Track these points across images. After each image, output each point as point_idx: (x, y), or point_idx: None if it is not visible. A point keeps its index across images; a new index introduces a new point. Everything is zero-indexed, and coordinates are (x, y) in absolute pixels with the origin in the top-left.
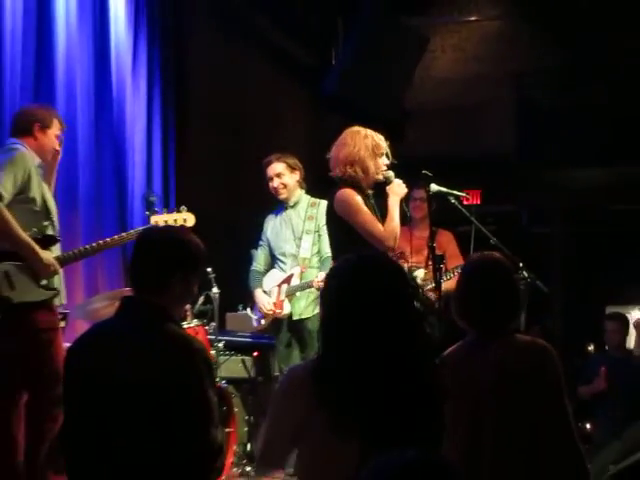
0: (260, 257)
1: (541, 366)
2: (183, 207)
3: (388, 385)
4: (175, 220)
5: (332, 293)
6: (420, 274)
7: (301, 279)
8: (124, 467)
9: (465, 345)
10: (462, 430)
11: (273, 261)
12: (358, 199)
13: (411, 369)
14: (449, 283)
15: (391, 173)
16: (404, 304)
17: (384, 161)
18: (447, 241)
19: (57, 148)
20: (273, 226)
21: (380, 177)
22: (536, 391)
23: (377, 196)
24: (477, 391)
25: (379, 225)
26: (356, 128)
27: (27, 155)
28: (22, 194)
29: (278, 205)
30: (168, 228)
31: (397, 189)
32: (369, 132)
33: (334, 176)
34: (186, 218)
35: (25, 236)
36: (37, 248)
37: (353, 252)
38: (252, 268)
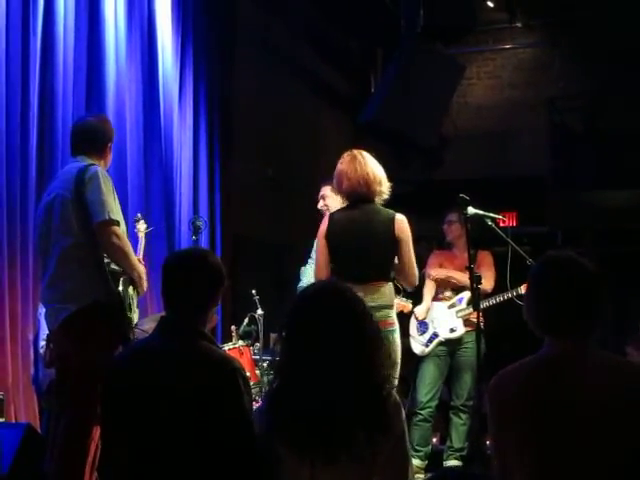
0: (309, 273)
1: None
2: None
3: (339, 408)
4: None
5: (291, 320)
6: (466, 295)
7: None
8: None
9: (542, 361)
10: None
11: None
12: None
13: (363, 391)
14: None
15: None
16: (360, 333)
17: None
18: (479, 260)
19: None
20: None
21: None
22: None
23: None
24: (565, 421)
25: None
26: (359, 151)
27: (106, 175)
28: None
29: None
30: (195, 250)
31: None
32: None
33: (373, 193)
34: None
35: (135, 256)
36: (142, 267)
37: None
38: (300, 284)
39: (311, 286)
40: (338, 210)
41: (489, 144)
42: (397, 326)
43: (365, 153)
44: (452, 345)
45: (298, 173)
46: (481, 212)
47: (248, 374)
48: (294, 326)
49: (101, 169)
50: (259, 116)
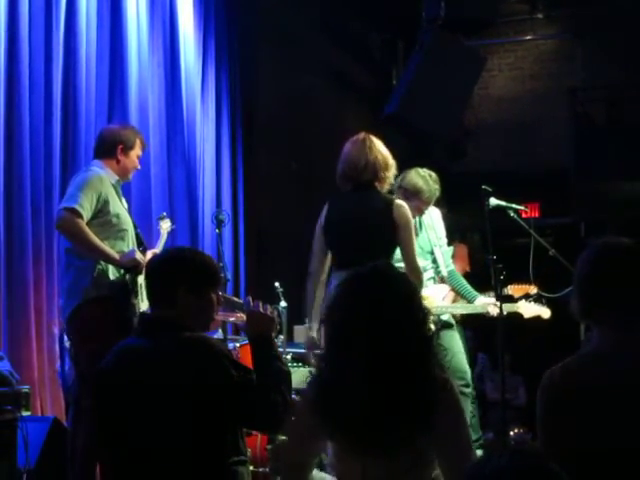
0: None
1: None
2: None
3: (389, 401)
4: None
5: (338, 308)
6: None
7: None
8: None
9: (595, 355)
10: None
11: None
12: None
13: (413, 381)
14: None
15: None
16: (412, 318)
17: None
18: (455, 252)
19: (138, 167)
20: None
21: None
22: None
23: None
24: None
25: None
26: (368, 135)
27: (103, 177)
28: (100, 212)
29: None
30: (172, 248)
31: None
32: None
33: (378, 179)
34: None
35: (101, 245)
36: (112, 254)
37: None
38: None
39: (356, 270)
40: (337, 195)
41: (511, 136)
42: None
43: (374, 137)
44: None
45: (320, 166)
46: (504, 203)
47: None
48: (341, 311)
49: (98, 173)
50: (281, 109)
